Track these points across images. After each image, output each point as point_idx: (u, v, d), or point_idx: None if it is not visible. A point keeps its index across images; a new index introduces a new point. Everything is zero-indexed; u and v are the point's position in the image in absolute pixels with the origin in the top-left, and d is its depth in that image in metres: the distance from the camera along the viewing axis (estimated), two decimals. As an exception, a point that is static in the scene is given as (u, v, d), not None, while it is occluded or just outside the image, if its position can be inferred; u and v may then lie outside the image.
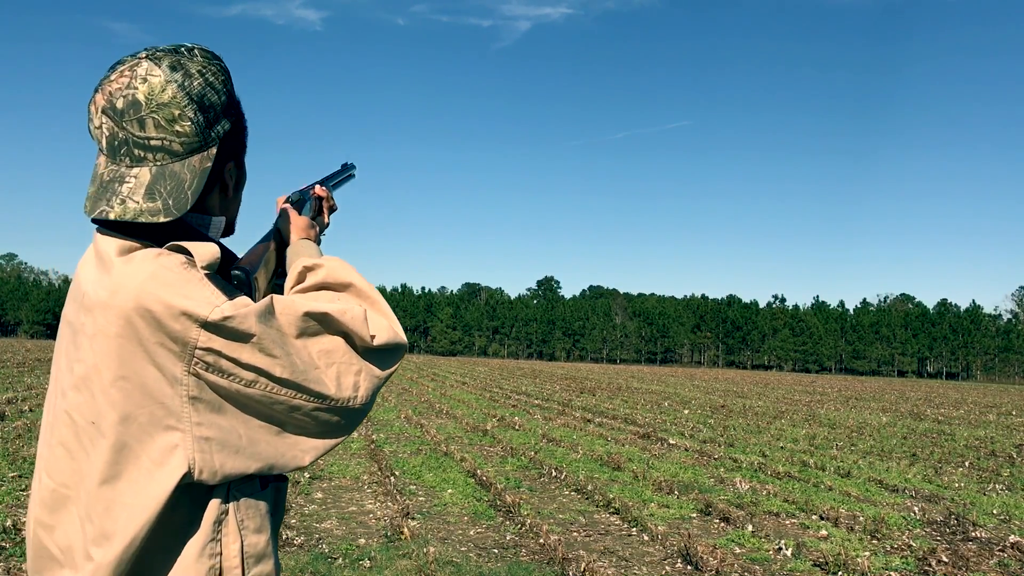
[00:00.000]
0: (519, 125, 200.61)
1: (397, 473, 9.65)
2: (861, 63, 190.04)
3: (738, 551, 6.60)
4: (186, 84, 1.25)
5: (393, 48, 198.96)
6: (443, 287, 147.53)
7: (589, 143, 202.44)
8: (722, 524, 7.61)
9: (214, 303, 1.19)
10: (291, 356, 1.23)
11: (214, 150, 1.29)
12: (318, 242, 1.61)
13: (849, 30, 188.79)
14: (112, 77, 1.25)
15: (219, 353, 1.19)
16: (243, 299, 1.24)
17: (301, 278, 1.42)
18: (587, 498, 8.67)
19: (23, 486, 7.77)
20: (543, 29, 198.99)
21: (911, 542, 7.06)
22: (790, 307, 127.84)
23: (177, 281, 1.20)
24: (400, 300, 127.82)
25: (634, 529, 7.32)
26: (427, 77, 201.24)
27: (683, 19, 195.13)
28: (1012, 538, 7.23)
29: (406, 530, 6.60)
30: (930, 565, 6.27)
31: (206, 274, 1.23)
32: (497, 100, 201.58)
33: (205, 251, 1.23)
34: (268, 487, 1.33)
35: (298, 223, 1.58)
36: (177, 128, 1.24)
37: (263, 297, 1.33)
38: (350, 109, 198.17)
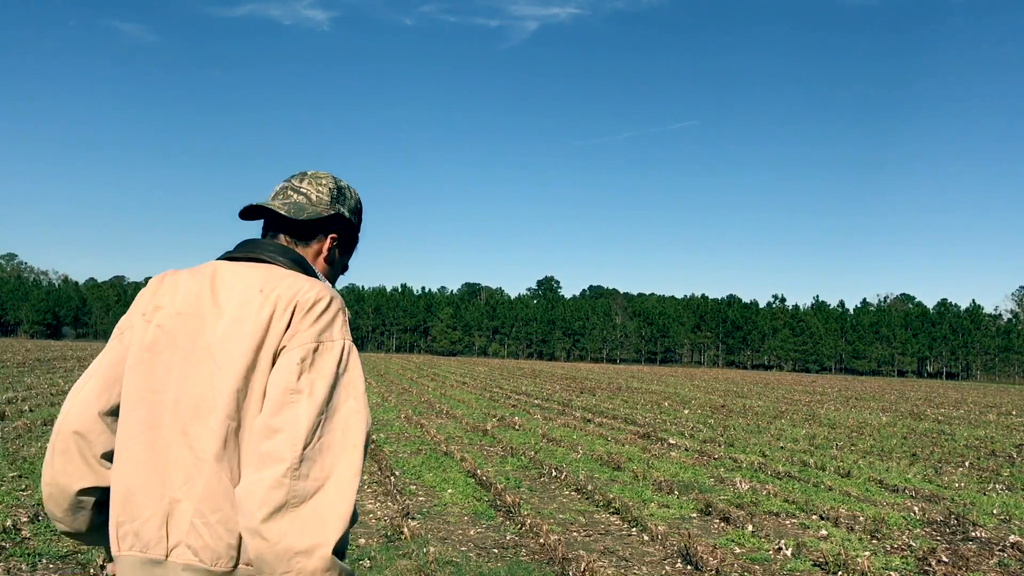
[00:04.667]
0: (524, 125, 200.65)
1: (397, 473, 9.65)
2: (863, 65, 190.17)
3: (738, 551, 6.60)
4: (344, 191, 1.91)
5: (401, 48, 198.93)
6: (443, 287, 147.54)
7: (594, 143, 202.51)
8: (722, 524, 7.61)
9: None
10: None
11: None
12: None
13: (853, 33, 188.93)
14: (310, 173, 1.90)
15: None
16: None
17: None
18: (587, 498, 8.67)
19: (23, 486, 7.77)
20: (551, 29, 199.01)
21: (911, 542, 7.06)
22: (790, 307, 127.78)
23: None
24: (400, 300, 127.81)
25: (634, 529, 7.32)
26: (434, 77, 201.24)
27: (691, 19, 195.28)
28: (1012, 538, 7.23)
29: (406, 530, 6.60)
30: (930, 565, 6.27)
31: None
32: (503, 100, 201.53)
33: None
34: None
35: None
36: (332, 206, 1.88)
37: None
38: (357, 109, 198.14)
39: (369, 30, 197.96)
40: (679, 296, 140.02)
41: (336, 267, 1.90)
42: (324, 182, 1.85)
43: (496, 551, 6.34)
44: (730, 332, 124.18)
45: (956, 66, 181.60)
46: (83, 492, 1.64)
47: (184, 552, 1.54)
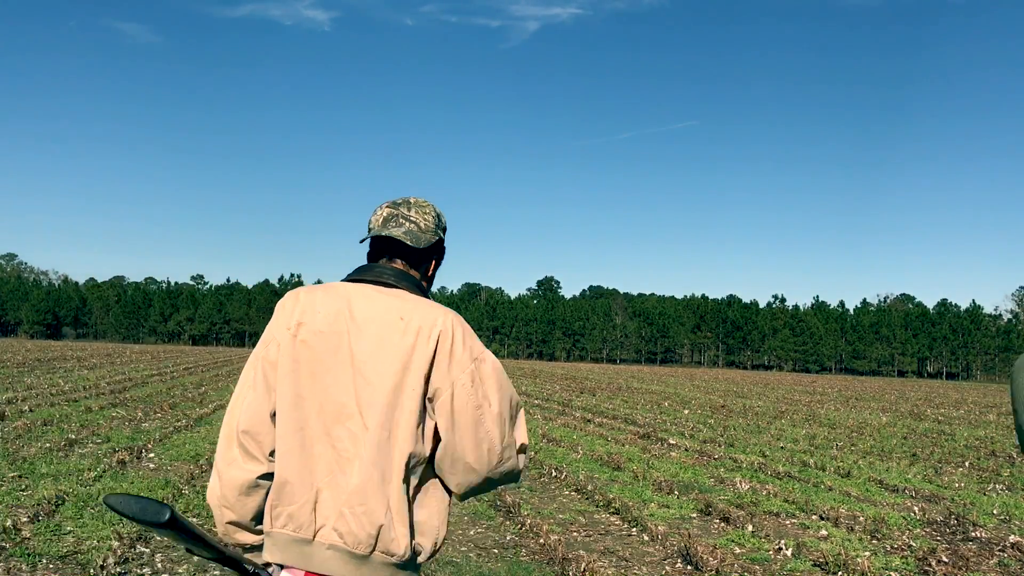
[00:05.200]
0: (525, 125, 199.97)
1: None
2: (863, 65, 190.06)
3: (738, 551, 6.60)
4: (441, 216, 2.19)
5: (401, 48, 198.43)
6: (443, 287, 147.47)
7: (594, 143, 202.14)
8: (722, 524, 7.61)
9: None
10: None
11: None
12: None
13: (853, 33, 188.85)
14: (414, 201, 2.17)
15: None
16: None
17: None
18: (587, 498, 8.67)
19: (23, 486, 7.77)
20: (552, 29, 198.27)
21: (911, 542, 7.06)
22: (790, 307, 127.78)
23: None
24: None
25: (634, 529, 7.32)
26: (435, 77, 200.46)
27: (693, 20, 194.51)
28: (1012, 538, 7.23)
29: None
30: (930, 565, 6.27)
31: None
32: (504, 100, 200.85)
33: None
34: None
35: None
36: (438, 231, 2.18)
37: None
38: (358, 109, 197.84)
39: (370, 30, 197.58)
40: (679, 296, 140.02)
41: (432, 283, 2.22)
42: (428, 210, 2.14)
43: (496, 551, 6.34)
44: (730, 332, 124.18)
45: (956, 66, 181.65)
46: (257, 480, 1.96)
47: (330, 534, 1.86)
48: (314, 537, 1.88)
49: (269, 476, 1.96)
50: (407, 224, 2.07)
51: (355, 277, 2.04)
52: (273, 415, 1.96)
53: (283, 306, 2.04)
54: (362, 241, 2.12)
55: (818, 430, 18.18)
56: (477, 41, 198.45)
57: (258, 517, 2.00)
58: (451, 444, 1.91)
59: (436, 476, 1.97)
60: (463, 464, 1.92)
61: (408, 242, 2.03)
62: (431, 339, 1.90)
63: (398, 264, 2.08)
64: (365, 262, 2.13)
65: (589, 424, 16.99)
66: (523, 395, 26.30)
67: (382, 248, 2.10)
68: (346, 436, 1.89)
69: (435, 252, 2.17)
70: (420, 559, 1.93)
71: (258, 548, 2.04)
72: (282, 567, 1.93)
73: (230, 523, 2.01)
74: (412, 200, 2.13)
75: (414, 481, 1.91)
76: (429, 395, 1.91)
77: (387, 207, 2.12)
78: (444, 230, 2.20)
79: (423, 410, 1.91)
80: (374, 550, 1.86)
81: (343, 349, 1.94)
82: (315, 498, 1.88)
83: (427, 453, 1.92)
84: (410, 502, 1.90)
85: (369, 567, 1.87)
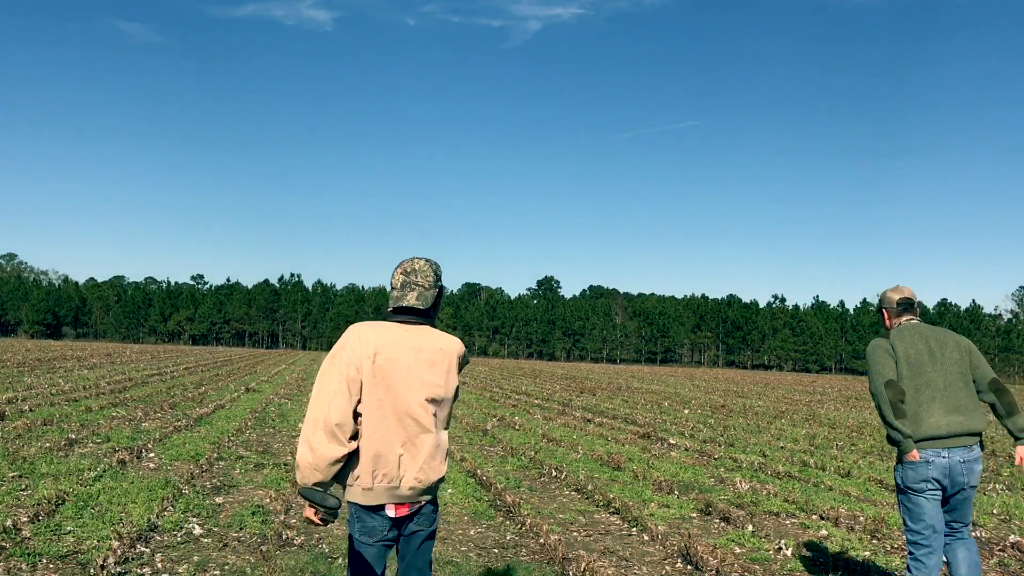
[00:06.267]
0: (526, 125, 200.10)
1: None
2: (864, 66, 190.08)
3: (738, 551, 6.60)
4: (437, 270, 3.32)
5: (403, 48, 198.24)
6: (443, 287, 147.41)
7: (594, 143, 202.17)
8: (722, 524, 7.61)
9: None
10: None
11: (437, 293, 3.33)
12: None
13: (854, 34, 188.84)
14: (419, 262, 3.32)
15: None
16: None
17: None
18: (587, 498, 8.67)
19: (23, 486, 7.77)
20: (553, 29, 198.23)
21: (911, 542, 7.05)
22: (790, 307, 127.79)
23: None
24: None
25: (634, 529, 7.32)
26: (436, 77, 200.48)
27: (694, 20, 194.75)
28: (1012, 538, 7.23)
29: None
30: (930, 565, 6.26)
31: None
32: (505, 100, 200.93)
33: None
34: None
35: None
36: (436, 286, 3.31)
37: None
38: (359, 109, 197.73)
39: (371, 30, 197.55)
40: (679, 296, 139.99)
41: (437, 312, 3.38)
42: (428, 273, 3.29)
43: (496, 551, 6.34)
44: (730, 332, 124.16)
45: (956, 66, 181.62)
46: (343, 456, 3.03)
47: (411, 481, 3.12)
48: (400, 484, 3.11)
49: (347, 455, 3.05)
50: (418, 290, 3.25)
51: (399, 319, 3.25)
52: (355, 414, 3.07)
53: (360, 339, 3.12)
54: (389, 311, 3.31)
55: (818, 430, 18.17)
56: (479, 41, 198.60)
57: (331, 481, 3.07)
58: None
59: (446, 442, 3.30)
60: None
61: (419, 306, 3.25)
62: (457, 355, 3.29)
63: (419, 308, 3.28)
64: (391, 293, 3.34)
65: (589, 424, 16.99)
66: (523, 395, 26.32)
67: (406, 307, 3.28)
68: (412, 424, 3.13)
69: (438, 296, 3.32)
70: (441, 484, 3.36)
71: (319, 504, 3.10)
72: (382, 506, 3.13)
73: (316, 483, 3.03)
74: (419, 267, 3.28)
75: (445, 448, 3.26)
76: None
77: (401, 274, 3.28)
78: (440, 277, 3.34)
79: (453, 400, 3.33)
80: (428, 489, 3.20)
81: (404, 365, 3.14)
82: (398, 462, 3.11)
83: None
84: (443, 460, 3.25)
85: (427, 493, 3.21)
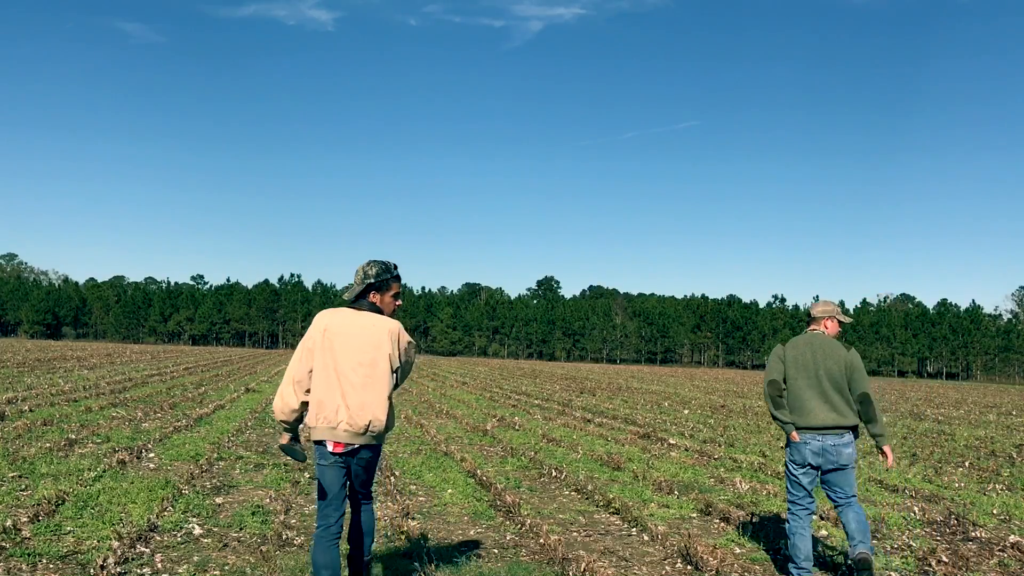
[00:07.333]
0: (527, 125, 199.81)
1: (397, 473, 9.65)
2: (864, 66, 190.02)
3: (738, 551, 6.60)
4: (367, 269, 4.60)
5: (405, 48, 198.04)
6: (443, 287, 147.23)
7: (595, 143, 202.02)
8: (722, 524, 7.61)
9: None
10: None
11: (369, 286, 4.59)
12: None
13: (855, 34, 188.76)
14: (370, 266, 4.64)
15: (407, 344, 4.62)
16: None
17: None
18: (587, 498, 8.67)
19: (23, 486, 7.78)
20: (555, 29, 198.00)
21: (911, 542, 7.06)
22: (790, 307, 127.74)
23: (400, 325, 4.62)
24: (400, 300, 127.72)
25: (634, 529, 7.32)
26: (438, 77, 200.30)
27: (694, 20, 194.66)
28: (1012, 538, 7.23)
29: (406, 530, 6.60)
30: (930, 565, 6.27)
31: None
32: (507, 100, 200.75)
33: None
34: None
35: None
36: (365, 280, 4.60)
37: None
38: (360, 109, 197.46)
39: (373, 30, 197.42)
40: (679, 296, 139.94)
41: (388, 305, 4.60)
42: (358, 274, 4.56)
43: (496, 551, 6.34)
44: (730, 332, 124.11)
45: (956, 66, 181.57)
46: (300, 406, 4.41)
47: (344, 424, 4.28)
48: (337, 427, 4.29)
49: (304, 404, 4.40)
50: (352, 286, 4.55)
51: (351, 305, 4.54)
52: (309, 373, 4.39)
53: (317, 321, 4.47)
54: (347, 295, 4.60)
55: (818, 430, 18.14)
56: (480, 41, 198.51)
57: (296, 421, 4.47)
58: (401, 378, 4.61)
59: (391, 398, 4.44)
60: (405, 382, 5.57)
61: (347, 297, 4.58)
62: (390, 333, 4.45)
63: (370, 297, 4.55)
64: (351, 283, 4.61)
65: (589, 424, 16.99)
66: (523, 395, 26.33)
67: (361, 293, 4.56)
68: (347, 381, 4.33)
69: (368, 291, 4.52)
70: (386, 434, 4.48)
71: (291, 434, 4.57)
72: (322, 441, 4.34)
73: (283, 421, 4.46)
74: (356, 270, 4.56)
75: (384, 400, 4.37)
76: (395, 364, 4.49)
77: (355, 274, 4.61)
78: (369, 275, 4.50)
79: (391, 367, 4.44)
80: (364, 432, 4.33)
81: (348, 339, 4.40)
82: (336, 409, 4.29)
83: (391, 387, 4.45)
84: (385, 409, 4.37)
85: (362, 438, 4.34)
